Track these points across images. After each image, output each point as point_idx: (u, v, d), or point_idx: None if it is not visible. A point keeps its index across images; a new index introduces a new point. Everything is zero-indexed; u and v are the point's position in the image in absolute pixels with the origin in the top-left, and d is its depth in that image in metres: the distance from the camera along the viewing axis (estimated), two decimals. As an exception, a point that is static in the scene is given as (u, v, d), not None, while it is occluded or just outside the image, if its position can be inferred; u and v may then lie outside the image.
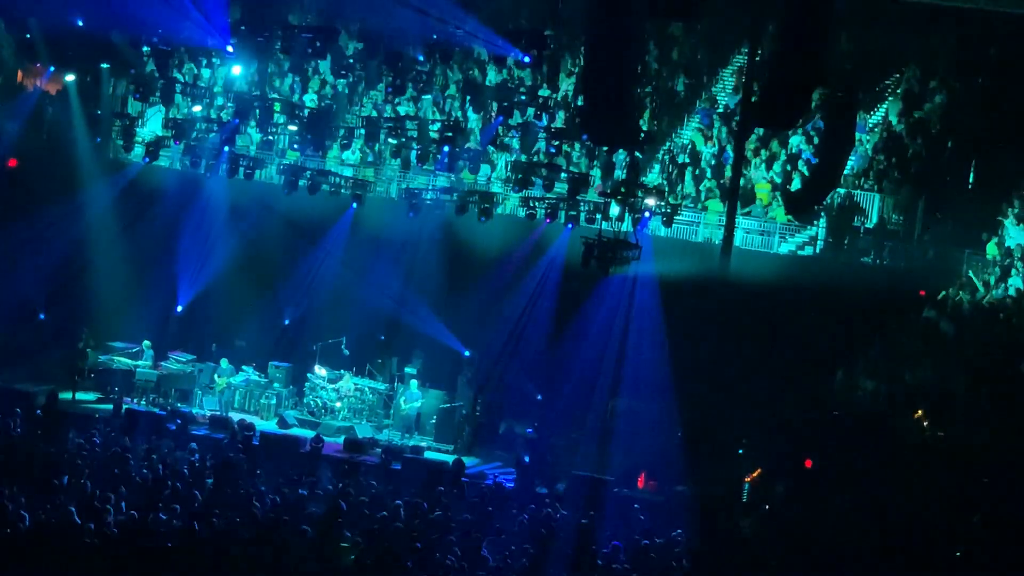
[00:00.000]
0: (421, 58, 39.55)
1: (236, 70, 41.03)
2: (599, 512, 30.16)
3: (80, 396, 38.08)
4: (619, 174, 38.71)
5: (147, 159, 39.97)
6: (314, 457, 33.83)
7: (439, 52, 39.13)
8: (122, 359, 39.39)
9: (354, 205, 39.98)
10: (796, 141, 40.00)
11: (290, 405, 39.46)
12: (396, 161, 40.82)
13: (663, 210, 37.34)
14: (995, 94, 39.53)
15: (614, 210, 36.70)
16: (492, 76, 42.47)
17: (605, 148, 38.29)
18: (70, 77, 40.93)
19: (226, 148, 39.94)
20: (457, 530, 26.33)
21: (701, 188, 39.94)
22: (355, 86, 42.52)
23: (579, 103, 39.39)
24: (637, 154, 37.42)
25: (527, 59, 38.34)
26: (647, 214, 36.85)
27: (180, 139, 40.30)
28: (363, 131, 40.47)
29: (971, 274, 36.62)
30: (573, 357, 37.64)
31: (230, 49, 39.61)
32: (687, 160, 40.74)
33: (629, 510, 30.55)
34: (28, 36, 41.50)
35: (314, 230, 40.82)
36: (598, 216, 37.02)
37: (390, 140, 40.56)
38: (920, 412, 33.46)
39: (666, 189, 39.05)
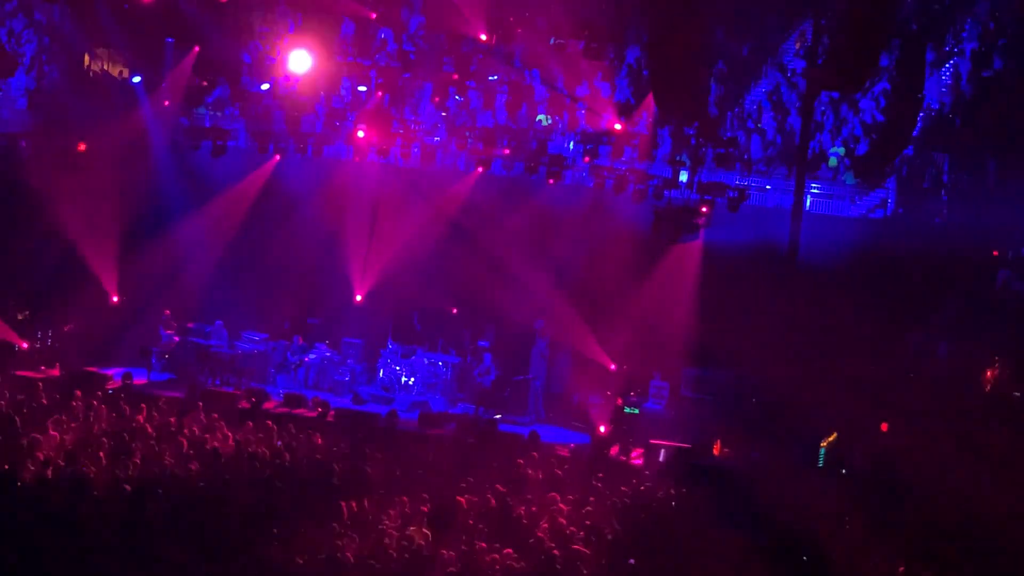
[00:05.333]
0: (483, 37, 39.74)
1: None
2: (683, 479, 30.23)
3: (154, 377, 38.45)
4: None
5: (213, 155, 39.97)
6: (389, 432, 34.05)
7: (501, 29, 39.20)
8: (196, 339, 39.63)
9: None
10: (864, 104, 39.71)
11: (364, 381, 39.62)
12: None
13: (731, 195, 37.28)
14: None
15: (683, 177, 36.72)
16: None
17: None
18: (137, 79, 41.01)
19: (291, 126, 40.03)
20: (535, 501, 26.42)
21: (769, 154, 39.76)
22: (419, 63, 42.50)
23: (646, 76, 39.36)
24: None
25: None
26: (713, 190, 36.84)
27: (246, 115, 40.44)
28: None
29: (1046, 232, 36.42)
30: (644, 326, 37.57)
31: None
32: (755, 126, 40.54)
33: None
34: (96, 18, 41.61)
35: (382, 204, 40.79)
36: (664, 191, 37.12)
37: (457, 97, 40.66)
38: (996, 372, 33.28)
39: (742, 148, 38.94)
